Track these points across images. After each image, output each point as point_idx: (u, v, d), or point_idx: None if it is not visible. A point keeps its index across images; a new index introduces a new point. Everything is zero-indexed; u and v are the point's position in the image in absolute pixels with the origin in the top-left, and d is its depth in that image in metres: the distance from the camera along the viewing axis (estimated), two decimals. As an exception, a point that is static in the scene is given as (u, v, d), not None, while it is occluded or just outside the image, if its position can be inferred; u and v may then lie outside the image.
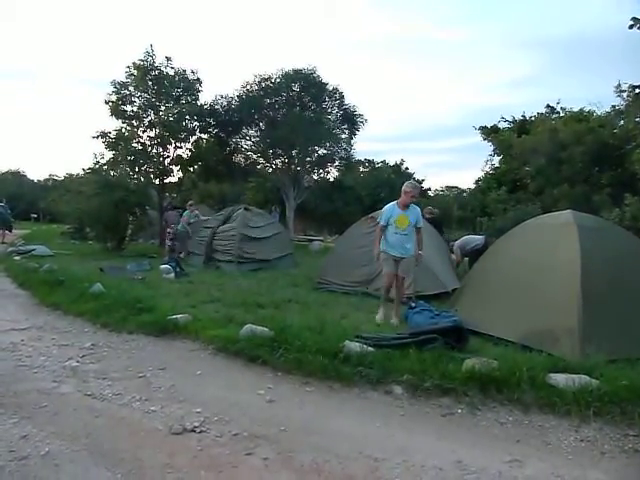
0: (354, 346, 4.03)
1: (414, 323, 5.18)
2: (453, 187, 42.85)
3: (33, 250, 12.16)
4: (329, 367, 3.87)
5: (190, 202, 15.00)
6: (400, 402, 3.53)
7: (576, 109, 21.15)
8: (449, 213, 30.40)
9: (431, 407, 3.45)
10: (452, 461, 2.72)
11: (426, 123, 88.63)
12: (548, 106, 23.92)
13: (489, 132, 25.82)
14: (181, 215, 13.98)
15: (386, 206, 5.93)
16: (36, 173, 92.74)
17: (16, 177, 50.08)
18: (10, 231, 18.96)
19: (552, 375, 3.51)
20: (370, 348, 4.03)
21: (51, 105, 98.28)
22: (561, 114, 22.64)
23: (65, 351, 4.59)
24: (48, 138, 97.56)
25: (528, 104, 38.40)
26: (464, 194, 35.51)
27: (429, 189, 38.29)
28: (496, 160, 25.09)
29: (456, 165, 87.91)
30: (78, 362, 4.26)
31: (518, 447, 2.92)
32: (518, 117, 25.10)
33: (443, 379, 3.60)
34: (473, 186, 28.50)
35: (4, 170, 51.63)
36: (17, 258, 11.19)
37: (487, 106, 73.98)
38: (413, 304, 5.70)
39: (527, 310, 4.81)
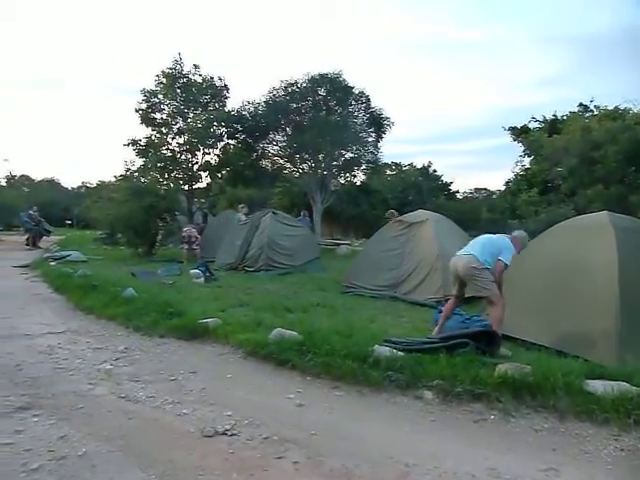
0: (383, 350, 4.00)
1: (444, 327, 5.11)
2: (482, 189, 42.29)
3: (68, 256, 12.48)
4: (358, 371, 3.85)
5: (241, 205, 15.08)
6: (430, 407, 3.49)
7: (611, 107, 20.58)
8: (477, 215, 29.98)
9: (462, 413, 3.39)
10: (485, 468, 2.67)
11: (453, 124, 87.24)
12: (581, 104, 23.44)
13: (519, 133, 25.43)
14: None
15: (510, 244, 4.90)
16: (70, 181, 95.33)
17: (51, 185, 51.67)
18: (47, 236, 19.67)
19: (589, 381, 3.41)
20: (400, 352, 4.00)
21: (84, 114, 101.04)
22: (595, 112, 22.09)
23: (99, 354, 4.70)
24: (81, 146, 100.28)
25: (558, 103, 37.87)
26: (493, 196, 34.99)
27: (457, 192, 37.92)
28: (526, 161, 24.66)
29: (485, 167, 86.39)
30: (112, 365, 4.35)
31: (554, 455, 2.84)
32: (549, 117, 24.64)
33: (474, 384, 3.54)
34: (503, 188, 28.06)
35: (40, 178, 53.42)
36: (53, 264, 11.52)
37: (515, 106, 72.20)
38: (442, 308, 5.62)
39: (561, 314, 4.68)
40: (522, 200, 19.99)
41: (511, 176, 25.90)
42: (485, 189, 41.92)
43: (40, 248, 17.11)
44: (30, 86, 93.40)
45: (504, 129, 26.57)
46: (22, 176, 50.26)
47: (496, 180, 54.98)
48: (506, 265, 4.77)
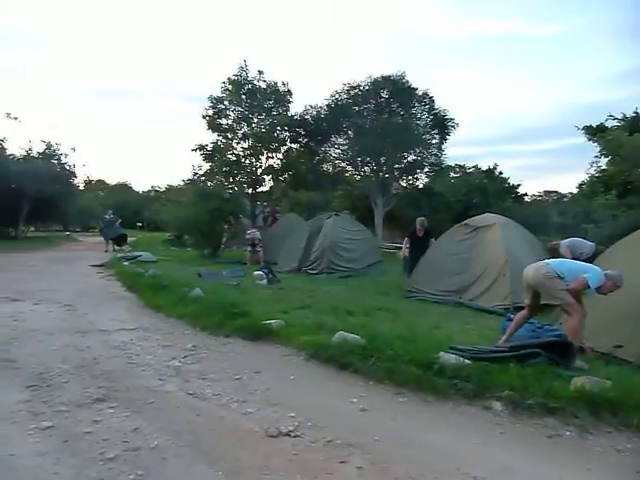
0: (449, 357, 3.88)
1: (514, 336, 4.89)
2: (552, 192, 40.39)
3: (139, 256, 13.16)
4: (423, 378, 3.76)
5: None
6: (499, 419, 3.34)
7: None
8: (547, 219, 28.59)
9: (534, 427, 3.22)
10: (561, 487, 2.52)
11: (521, 124, 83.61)
12: (664, 101, 21.71)
13: (595, 132, 23.92)
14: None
15: (601, 272, 4.52)
16: (140, 185, 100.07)
17: (123, 189, 54.65)
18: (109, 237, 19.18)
19: (679, 400, 3.14)
20: (466, 361, 3.86)
21: (154, 120, 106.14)
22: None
23: (168, 351, 4.88)
24: (151, 151, 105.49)
25: (637, 100, 35.15)
26: (564, 199, 33.27)
27: (525, 194, 36.32)
28: (603, 162, 23.16)
29: (555, 168, 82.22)
30: (180, 362, 4.50)
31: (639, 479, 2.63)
32: (630, 114, 23.01)
33: (547, 397, 3.36)
34: (575, 191, 26.58)
35: (114, 182, 56.71)
36: (126, 264, 12.18)
37: (588, 104, 68.16)
38: (512, 316, 5.39)
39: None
40: (598, 203, 18.77)
41: (585, 178, 24.43)
42: (555, 192, 40.02)
43: (115, 250, 17.73)
44: (104, 95, 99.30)
45: (577, 128, 25.04)
46: (98, 180, 53.51)
47: (567, 182, 52.24)
48: (588, 285, 4.39)
